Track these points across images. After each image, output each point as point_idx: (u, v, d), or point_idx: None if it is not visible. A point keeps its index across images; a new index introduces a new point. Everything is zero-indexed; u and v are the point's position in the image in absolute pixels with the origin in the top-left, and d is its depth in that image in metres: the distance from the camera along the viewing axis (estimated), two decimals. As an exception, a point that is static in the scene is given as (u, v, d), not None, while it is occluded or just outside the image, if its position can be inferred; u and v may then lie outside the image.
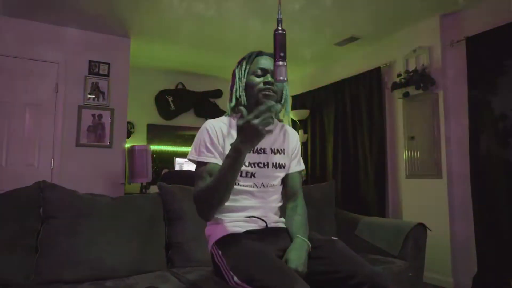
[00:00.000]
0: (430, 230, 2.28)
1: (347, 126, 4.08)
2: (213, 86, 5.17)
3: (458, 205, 3.02)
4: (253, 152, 1.33)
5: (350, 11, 3.12)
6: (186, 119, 5.02)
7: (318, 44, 3.86)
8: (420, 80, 3.13)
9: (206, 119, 4.85)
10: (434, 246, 2.53)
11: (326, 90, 4.42)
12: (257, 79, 1.33)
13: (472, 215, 2.87)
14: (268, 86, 1.31)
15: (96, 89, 3.55)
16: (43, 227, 1.75)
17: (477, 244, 2.83)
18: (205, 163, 1.27)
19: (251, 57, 1.38)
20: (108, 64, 3.62)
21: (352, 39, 3.68)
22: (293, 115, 4.65)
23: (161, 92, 4.86)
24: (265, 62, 1.35)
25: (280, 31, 1.20)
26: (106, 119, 3.58)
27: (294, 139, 1.49)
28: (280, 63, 1.17)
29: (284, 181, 1.45)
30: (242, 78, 1.35)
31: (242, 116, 1.33)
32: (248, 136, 1.03)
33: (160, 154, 4.68)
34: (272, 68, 1.33)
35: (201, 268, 1.89)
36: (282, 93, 1.38)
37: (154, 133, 4.77)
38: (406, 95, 3.26)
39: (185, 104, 4.95)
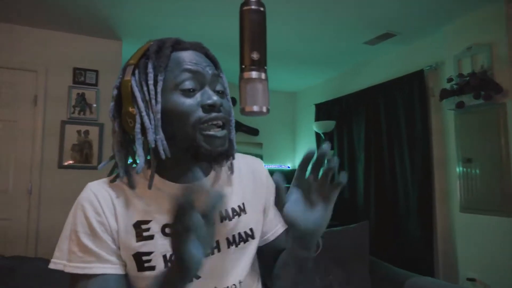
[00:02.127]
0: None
1: (381, 142, 3.36)
2: (226, 94, 4.57)
3: (536, 254, 2.26)
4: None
5: (384, 1, 2.44)
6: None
7: (345, 43, 3.18)
8: (480, 86, 2.39)
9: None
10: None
11: (355, 97, 3.73)
12: (187, 101, 0.66)
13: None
14: (214, 114, 0.67)
15: (82, 101, 3.04)
16: None
17: None
18: (83, 278, 0.64)
19: (163, 54, 0.67)
20: (96, 71, 3.10)
21: (387, 35, 2.97)
22: (316, 127, 3.98)
23: (167, 101, 4.32)
24: (195, 59, 0.68)
25: (253, 7, 0.57)
26: (94, 135, 3.06)
27: (260, 175, 0.83)
28: (253, 74, 0.55)
29: (261, 251, 0.81)
30: (154, 100, 0.66)
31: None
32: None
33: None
34: (210, 71, 0.68)
35: None
36: (230, 119, 0.72)
37: (159, 147, 4.22)
38: (460, 105, 2.53)
39: (193, 114, 4.38)
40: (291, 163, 4.81)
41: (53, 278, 1.37)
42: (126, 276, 0.68)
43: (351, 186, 3.69)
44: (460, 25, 2.69)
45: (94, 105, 3.06)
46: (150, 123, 0.65)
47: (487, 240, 2.44)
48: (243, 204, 0.76)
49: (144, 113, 0.65)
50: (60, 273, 1.35)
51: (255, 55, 0.54)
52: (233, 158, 0.74)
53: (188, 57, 0.68)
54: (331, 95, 4.11)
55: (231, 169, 0.77)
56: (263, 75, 0.55)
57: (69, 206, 2.82)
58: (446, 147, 2.86)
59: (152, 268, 0.66)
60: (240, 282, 0.73)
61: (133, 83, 0.67)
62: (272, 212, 0.83)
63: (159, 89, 0.65)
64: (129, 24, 2.91)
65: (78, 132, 3.02)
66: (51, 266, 0.67)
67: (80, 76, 3.05)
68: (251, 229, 0.76)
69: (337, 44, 3.20)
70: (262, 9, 0.56)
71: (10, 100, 2.84)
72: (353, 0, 2.41)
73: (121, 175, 0.69)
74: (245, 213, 0.76)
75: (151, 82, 0.65)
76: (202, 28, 2.94)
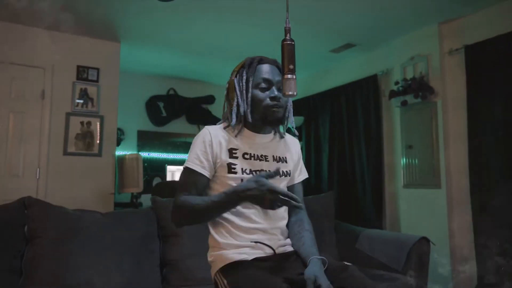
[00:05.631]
0: (434, 244, 2.21)
1: (343, 134, 4.01)
2: (205, 92, 5.06)
3: (458, 216, 2.96)
4: (254, 159, 1.24)
5: (347, 18, 3.05)
6: (177, 126, 4.89)
7: (314, 50, 3.79)
8: (419, 88, 3.08)
9: (198, 126, 4.74)
10: (433, 258, 2.47)
11: (321, 97, 4.36)
12: (262, 94, 1.23)
13: (472, 226, 2.82)
14: (275, 102, 1.22)
15: (84, 96, 3.41)
16: (27, 248, 1.63)
17: (477, 257, 2.78)
18: (191, 171, 1.21)
19: (252, 66, 1.25)
20: (98, 69, 3.48)
21: (348, 45, 3.62)
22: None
23: (152, 98, 4.73)
24: (269, 72, 1.25)
25: (288, 42, 1.11)
26: (95, 126, 3.44)
27: (296, 147, 1.40)
28: (289, 76, 1.09)
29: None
30: (244, 92, 1.23)
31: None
32: (259, 198, 1.09)
33: (150, 161, 4.54)
34: (276, 78, 1.24)
35: (198, 287, 1.79)
36: (287, 105, 1.29)
37: (145, 140, 4.63)
38: (404, 103, 3.21)
39: (176, 110, 4.82)
40: (264, 155, 5.37)
41: (105, 223, 1.82)
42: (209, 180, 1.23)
43: (317, 173, 4.31)
44: (406, 39, 3.38)
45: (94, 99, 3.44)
46: (242, 102, 1.22)
47: (423, 207, 3.13)
48: (285, 157, 1.33)
49: (239, 98, 1.22)
50: (111, 219, 1.80)
51: (291, 66, 1.08)
52: (283, 125, 1.30)
53: (265, 68, 1.25)
54: (301, 94, 4.72)
55: (281, 135, 1.35)
56: (294, 76, 1.09)
57: (72, 188, 3.30)
58: (393, 137, 3.55)
59: (235, 172, 1.21)
60: None
61: (235, 81, 1.24)
62: (297, 172, 1.39)
63: (249, 85, 1.22)
64: (127, 29, 3.32)
65: (81, 123, 3.39)
66: (185, 165, 1.21)
67: (83, 73, 3.42)
68: (289, 171, 1.32)
69: (309, 51, 3.79)
70: (293, 42, 1.10)
71: (21, 94, 3.16)
72: (322, 15, 2.99)
73: (232, 125, 1.25)
74: (287, 163, 1.33)
75: (244, 81, 1.22)
76: (194, 36, 3.42)
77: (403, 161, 3.32)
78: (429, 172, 3.11)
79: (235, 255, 1.16)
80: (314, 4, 2.79)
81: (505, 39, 2.65)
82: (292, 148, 1.38)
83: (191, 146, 1.25)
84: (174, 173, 4.42)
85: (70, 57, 3.38)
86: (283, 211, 1.30)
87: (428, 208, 3.10)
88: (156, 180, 4.26)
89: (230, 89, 1.27)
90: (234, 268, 1.13)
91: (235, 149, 1.23)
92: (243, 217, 1.20)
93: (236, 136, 1.25)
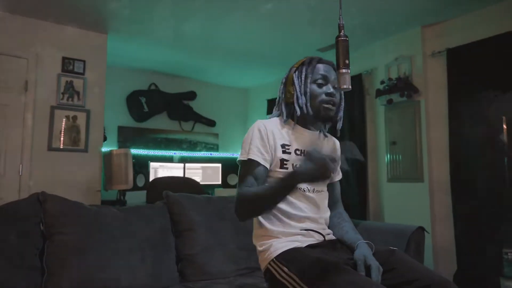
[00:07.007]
0: (428, 233, 2.37)
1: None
2: (187, 88, 5.01)
3: (439, 207, 3.18)
4: (304, 155, 1.29)
5: (334, 18, 3.15)
6: (158, 122, 4.80)
7: (301, 49, 3.88)
8: (405, 87, 3.26)
9: (179, 122, 4.71)
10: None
11: (304, 94, 4.46)
12: (319, 90, 1.29)
13: (452, 216, 3.05)
14: (330, 98, 1.28)
15: (70, 89, 3.27)
16: (47, 244, 1.57)
17: (457, 244, 3.00)
18: (252, 161, 1.23)
19: (312, 64, 1.32)
20: (84, 61, 3.35)
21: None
22: (270, 118, 4.63)
23: (134, 92, 4.60)
24: (326, 70, 1.32)
25: (343, 38, 1.17)
26: (82, 121, 3.30)
27: (338, 148, 1.48)
28: (344, 70, 1.15)
29: (328, 190, 1.43)
30: (303, 86, 1.29)
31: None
32: (315, 171, 1.04)
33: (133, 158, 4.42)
34: (333, 76, 1.30)
35: (216, 281, 1.81)
36: (340, 104, 1.36)
37: (126, 136, 4.51)
38: (389, 102, 3.39)
39: (158, 105, 4.74)
40: (244, 151, 5.42)
41: (124, 218, 1.78)
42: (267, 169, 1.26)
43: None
44: (390, 41, 3.56)
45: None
46: (300, 95, 1.26)
47: (406, 200, 3.33)
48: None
49: (298, 91, 1.27)
50: (129, 214, 1.78)
51: (346, 61, 1.14)
52: (336, 122, 1.35)
53: (323, 67, 1.31)
54: (282, 92, 4.80)
55: (325, 135, 1.41)
56: (349, 71, 1.15)
57: (57, 185, 3.20)
58: (377, 133, 3.73)
59: (287, 168, 1.25)
60: (322, 191, 1.35)
61: (295, 76, 1.30)
62: (336, 172, 1.45)
63: (308, 80, 1.28)
64: (114, 19, 3.23)
65: (67, 117, 3.25)
66: (240, 158, 1.23)
67: (68, 65, 3.28)
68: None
69: (296, 49, 3.87)
70: (347, 38, 1.16)
71: (2, 85, 2.98)
72: (311, 13, 3.08)
73: (285, 119, 1.29)
74: None
75: (303, 76, 1.28)
76: (178, 31, 3.38)
77: (387, 156, 3.50)
78: (412, 166, 3.31)
79: (289, 243, 1.21)
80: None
81: (485, 44, 2.88)
82: (335, 148, 1.46)
83: (247, 139, 1.27)
84: (157, 170, 4.34)
85: (55, 48, 3.23)
86: (326, 204, 1.38)
87: (411, 200, 3.30)
88: (140, 177, 4.16)
89: (288, 83, 1.33)
90: (290, 255, 1.17)
91: (288, 145, 1.28)
92: (294, 207, 1.25)
93: (287, 130, 1.30)
